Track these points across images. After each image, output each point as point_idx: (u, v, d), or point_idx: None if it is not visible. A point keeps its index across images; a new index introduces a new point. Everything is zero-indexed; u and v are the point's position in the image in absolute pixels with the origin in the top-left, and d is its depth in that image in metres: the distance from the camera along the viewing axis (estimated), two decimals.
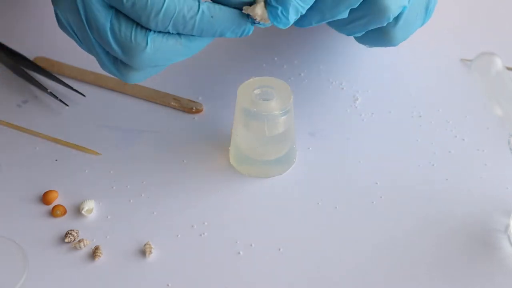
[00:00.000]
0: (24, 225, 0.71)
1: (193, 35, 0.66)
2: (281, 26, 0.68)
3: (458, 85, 0.84)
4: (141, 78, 0.69)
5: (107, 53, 0.67)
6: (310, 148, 0.78)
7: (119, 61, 0.67)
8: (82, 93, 0.81)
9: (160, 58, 0.66)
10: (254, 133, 0.73)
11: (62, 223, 0.72)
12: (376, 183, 0.75)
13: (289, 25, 0.68)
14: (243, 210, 0.73)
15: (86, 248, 0.70)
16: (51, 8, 0.68)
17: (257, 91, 0.73)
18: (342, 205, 0.73)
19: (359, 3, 0.68)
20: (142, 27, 0.65)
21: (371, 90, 0.83)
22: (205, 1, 0.66)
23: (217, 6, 0.66)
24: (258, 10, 0.67)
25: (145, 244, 0.70)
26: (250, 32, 0.67)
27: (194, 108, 0.81)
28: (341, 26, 0.71)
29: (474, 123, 0.80)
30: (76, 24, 0.67)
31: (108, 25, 0.65)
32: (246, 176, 0.75)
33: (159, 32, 0.66)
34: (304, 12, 0.67)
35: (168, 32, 0.66)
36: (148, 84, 0.83)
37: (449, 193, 0.74)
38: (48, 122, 0.80)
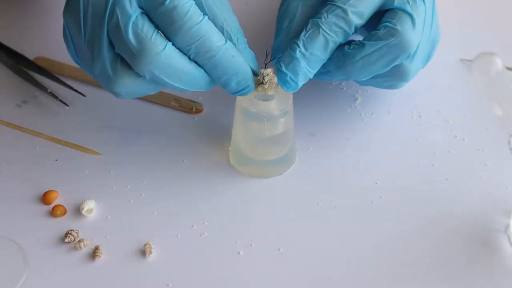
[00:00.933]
0: (24, 225, 0.71)
1: (204, 68, 0.67)
2: (290, 91, 0.71)
3: (458, 85, 0.84)
4: (128, 89, 0.68)
5: (110, 48, 0.67)
6: (310, 148, 0.78)
7: (118, 61, 0.67)
8: (82, 93, 0.81)
9: (167, 71, 0.66)
10: (254, 133, 0.73)
11: (62, 223, 0.72)
12: (376, 183, 0.75)
13: (298, 89, 0.70)
14: (243, 210, 0.73)
15: (86, 248, 0.70)
16: (51, 8, 0.68)
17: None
18: (342, 205, 0.73)
19: (385, 70, 0.70)
20: (164, 36, 0.66)
21: (371, 90, 0.83)
22: None
23: (238, 52, 0.68)
24: (270, 71, 0.71)
25: (145, 244, 0.70)
26: (249, 93, 0.69)
27: (194, 108, 0.81)
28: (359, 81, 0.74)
29: (474, 123, 0.80)
30: (94, 6, 0.67)
31: (132, 19, 0.65)
32: (246, 176, 0.75)
33: (177, 48, 0.66)
34: (312, 77, 0.70)
35: (185, 54, 0.66)
36: None
37: (449, 193, 0.74)
38: (48, 122, 0.80)
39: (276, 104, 0.72)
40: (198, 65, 0.67)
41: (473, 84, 0.83)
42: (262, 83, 0.71)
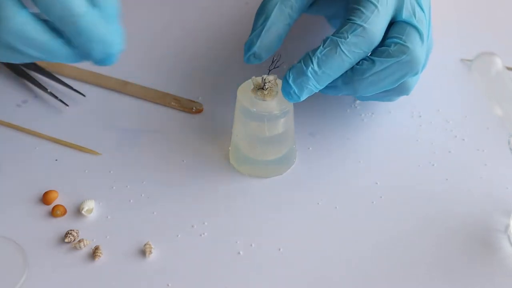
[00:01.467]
0: (24, 225, 0.71)
1: (67, 36, 0.62)
2: (291, 101, 0.70)
3: (458, 85, 0.84)
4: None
5: None
6: (310, 148, 0.78)
7: None
8: (82, 93, 0.81)
9: (20, 39, 0.62)
10: (254, 133, 0.73)
11: (62, 223, 0.72)
12: (376, 183, 0.75)
13: (300, 101, 0.69)
14: (243, 210, 0.73)
15: (86, 248, 0.70)
16: None
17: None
18: (342, 205, 0.73)
19: (393, 87, 0.70)
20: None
21: None
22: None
23: (104, 19, 0.63)
24: (272, 78, 0.70)
25: (145, 244, 0.70)
26: (113, 62, 0.64)
27: (194, 108, 0.81)
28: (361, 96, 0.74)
29: (474, 123, 0.80)
30: None
31: None
32: (246, 176, 0.75)
33: (39, 14, 0.62)
34: (317, 91, 0.69)
35: (46, 21, 0.62)
36: (148, 84, 0.83)
37: (449, 193, 0.74)
38: (48, 122, 0.80)
39: (276, 104, 0.72)
40: (61, 35, 0.62)
41: (473, 84, 0.82)
42: (262, 88, 0.71)
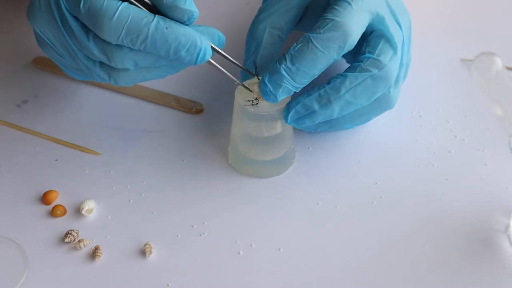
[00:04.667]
0: (24, 225, 0.71)
1: (149, 52, 0.66)
2: (269, 101, 0.70)
3: (458, 85, 0.84)
4: (129, 80, 0.69)
5: (92, 59, 0.68)
6: (310, 148, 0.78)
7: (105, 64, 0.68)
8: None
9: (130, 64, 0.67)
10: (252, 133, 0.73)
11: (62, 223, 0.72)
12: (376, 183, 0.75)
13: (278, 101, 0.70)
14: (243, 210, 0.73)
15: (86, 248, 0.70)
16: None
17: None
18: (342, 205, 0.73)
19: (368, 103, 0.71)
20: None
21: None
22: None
23: (172, 21, 0.65)
24: (256, 87, 0.70)
25: (145, 244, 0.70)
26: (207, 57, 0.67)
27: (194, 108, 0.81)
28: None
29: (474, 123, 0.80)
30: (55, 35, 0.67)
31: (84, 34, 0.66)
32: (246, 176, 0.75)
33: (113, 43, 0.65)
34: (296, 91, 0.69)
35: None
36: (148, 84, 0.83)
37: (449, 193, 0.74)
38: (48, 122, 0.80)
39: (274, 104, 0.72)
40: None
41: (473, 84, 0.82)
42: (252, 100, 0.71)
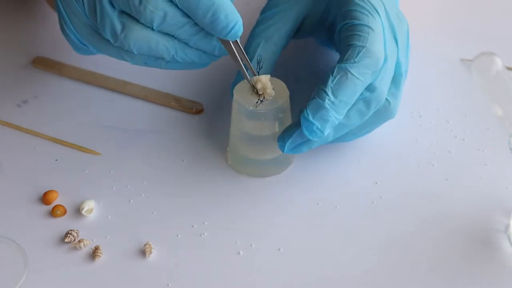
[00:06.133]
0: (24, 225, 0.71)
1: (189, 10, 0.66)
2: (314, 139, 0.69)
3: (458, 85, 0.84)
4: (140, 43, 0.67)
5: (113, 6, 0.66)
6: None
7: (125, 15, 0.67)
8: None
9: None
10: (251, 132, 0.73)
11: (62, 223, 0.72)
12: (376, 183, 0.75)
13: (324, 136, 0.69)
14: (243, 210, 0.73)
15: (86, 248, 0.70)
16: (51, 8, 0.68)
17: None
18: (342, 205, 0.73)
19: (362, 121, 0.71)
20: None
21: None
22: None
23: None
24: (263, 78, 0.70)
25: (145, 244, 0.70)
26: (240, 32, 0.68)
27: (194, 108, 0.81)
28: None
29: (474, 123, 0.80)
30: None
31: None
32: (246, 176, 0.75)
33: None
34: (337, 122, 0.69)
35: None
36: (148, 84, 0.83)
37: (449, 193, 0.74)
38: (48, 122, 0.80)
39: (273, 102, 0.72)
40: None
41: (473, 84, 0.83)
42: (257, 92, 0.71)
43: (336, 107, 0.68)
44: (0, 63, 0.85)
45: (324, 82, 0.68)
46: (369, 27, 0.70)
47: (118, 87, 0.83)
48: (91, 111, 0.81)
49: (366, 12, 0.71)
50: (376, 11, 0.71)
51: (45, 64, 0.85)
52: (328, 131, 0.69)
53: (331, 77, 0.68)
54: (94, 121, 0.80)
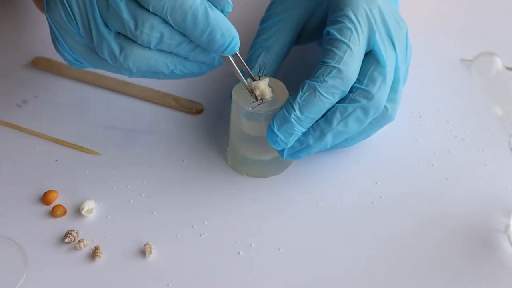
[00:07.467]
0: (24, 225, 0.71)
1: (186, 31, 0.66)
2: (276, 148, 0.71)
3: (458, 85, 0.84)
4: (138, 62, 0.68)
5: (109, 28, 0.67)
6: None
7: (121, 36, 0.67)
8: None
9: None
10: (250, 132, 0.73)
11: (62, 223, 0.72)
12: (376, 183, 0.75)
13: (288, 147, 0.71)
14: (243, 210, 0.73)
15: (86, 248, 0.70)
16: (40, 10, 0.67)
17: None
18: (342, 205, 0.73)
19: (358, 130, 0.72)
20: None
21: None
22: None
23: (214, 8, 0.66)
24: (262, 83, 0.71)
25: (145, 244, 0.70)
26: (237, 48, 0.67)
27: (194, 108, 0.81)
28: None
29: (474, 123, 0.80)
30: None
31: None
32: (246, 176, 0.75)
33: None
34: (300, 134, 0.70)
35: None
36: (148, 84, 0.83)
37: (449, 193, 0.74)
38: (48, 122, 0.80)
39: (271, 102, 0.72)
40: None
41: (473, 84, 0.83)
42: (255, 96, 0.71)
43: (302, 122, 0.69)
44: (0, 63, 0.85)
45: (294, 96, 0.69)
46: (347, 45, 0.70)
47: (118, 87, 0.83)
48: (91, 111, 0.81)
49: (352, 27, 0.71)
50: (361, 26, 0.71)
51: (45, 64, 0.85)
52: (291, 143, 0.70)
53: (300, 92, 0.69)
54: (94, 121, 0.80)
